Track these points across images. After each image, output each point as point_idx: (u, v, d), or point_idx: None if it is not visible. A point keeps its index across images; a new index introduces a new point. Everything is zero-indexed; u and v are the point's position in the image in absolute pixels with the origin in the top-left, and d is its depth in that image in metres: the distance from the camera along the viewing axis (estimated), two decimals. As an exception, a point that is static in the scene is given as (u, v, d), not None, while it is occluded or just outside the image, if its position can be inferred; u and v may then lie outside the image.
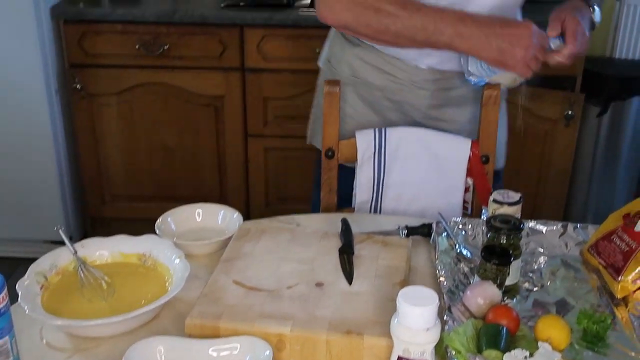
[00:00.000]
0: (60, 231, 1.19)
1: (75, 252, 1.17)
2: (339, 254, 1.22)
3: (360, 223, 1.40)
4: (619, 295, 1.14)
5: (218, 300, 1.08)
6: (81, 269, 1.15)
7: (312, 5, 2.61)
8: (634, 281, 1.13)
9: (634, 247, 1.15)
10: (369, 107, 1.63)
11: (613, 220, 1.24)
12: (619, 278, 1.14)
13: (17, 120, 2.68)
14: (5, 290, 0.92)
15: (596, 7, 1.55)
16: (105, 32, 2.62)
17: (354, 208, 1.65)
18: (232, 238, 1.29)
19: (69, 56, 2.66)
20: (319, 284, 1.13)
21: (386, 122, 1.61)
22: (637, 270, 1.12)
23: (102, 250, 1.22)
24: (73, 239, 1.24)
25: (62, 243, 1.19)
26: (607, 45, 3.18)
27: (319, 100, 1.68)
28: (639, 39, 3.11)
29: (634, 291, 1.13)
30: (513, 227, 1.15)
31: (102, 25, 2.61)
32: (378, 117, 1.63)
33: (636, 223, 1.16)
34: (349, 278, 1.16)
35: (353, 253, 1.23)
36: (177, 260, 1.17)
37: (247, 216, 1.41)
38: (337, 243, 1.26)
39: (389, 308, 1.04)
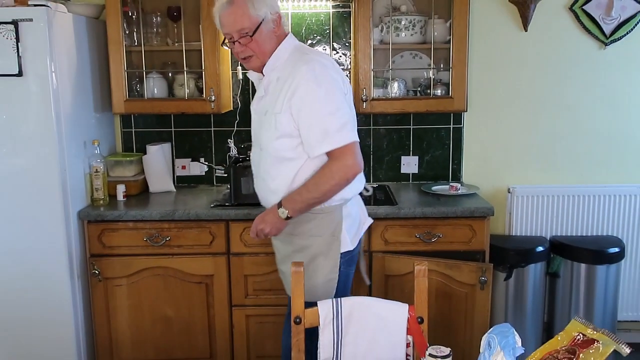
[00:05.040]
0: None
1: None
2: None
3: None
4: None
5: None
6: None
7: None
8: None
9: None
10: None
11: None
12: None
13: (43, 301, 2.90)
14: None
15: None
16: (119, 229, 2.99)
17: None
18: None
19: (90, 248, 3.00)
20: None
21: None
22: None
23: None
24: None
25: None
26: (505, 226, 3.56)
27: None
28: (529, 220, 3.50)
29: None
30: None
31: (117, 224, 2.99)
32: None
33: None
34: None
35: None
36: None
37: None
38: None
39: None
